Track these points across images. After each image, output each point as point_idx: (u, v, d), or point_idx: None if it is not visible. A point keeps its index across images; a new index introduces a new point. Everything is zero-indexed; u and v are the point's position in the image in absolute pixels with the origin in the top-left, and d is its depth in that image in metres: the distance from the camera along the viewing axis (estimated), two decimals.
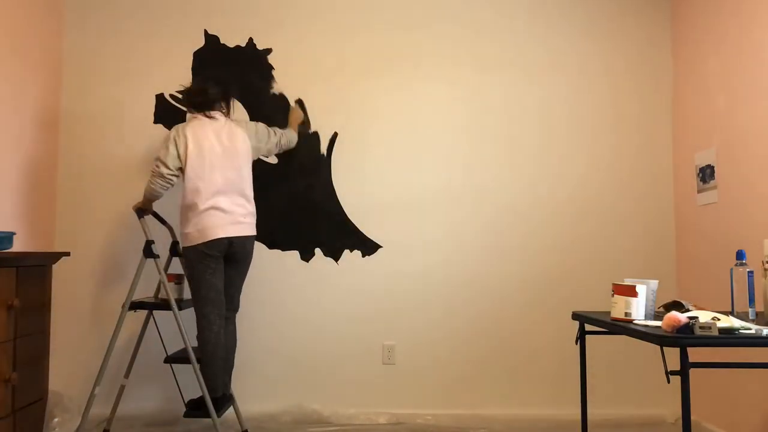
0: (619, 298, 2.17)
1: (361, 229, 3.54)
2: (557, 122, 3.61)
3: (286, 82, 3.57)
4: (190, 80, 3.55)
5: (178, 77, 3.56)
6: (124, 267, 3.49)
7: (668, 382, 1.85)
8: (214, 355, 2.85)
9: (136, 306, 2.98)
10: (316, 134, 3.57)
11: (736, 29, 3.02)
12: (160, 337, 3.31)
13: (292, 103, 3.54)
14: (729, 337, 1.82)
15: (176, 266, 3.36)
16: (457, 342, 3.53)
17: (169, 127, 3.53)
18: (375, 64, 3.60)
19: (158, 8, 3.59)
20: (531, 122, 3.60)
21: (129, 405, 3.40)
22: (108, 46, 3.57)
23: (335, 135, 3.57)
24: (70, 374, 3.43)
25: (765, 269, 2.27)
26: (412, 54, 3.61)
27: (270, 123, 3.56)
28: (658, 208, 3.59)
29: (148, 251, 3.02)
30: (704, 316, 2.02)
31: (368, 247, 3.54)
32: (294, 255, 3.52)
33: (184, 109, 3.54)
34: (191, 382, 3.39)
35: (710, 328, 1.79)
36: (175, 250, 3.21)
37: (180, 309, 2.98)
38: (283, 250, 3.53)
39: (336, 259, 3.54)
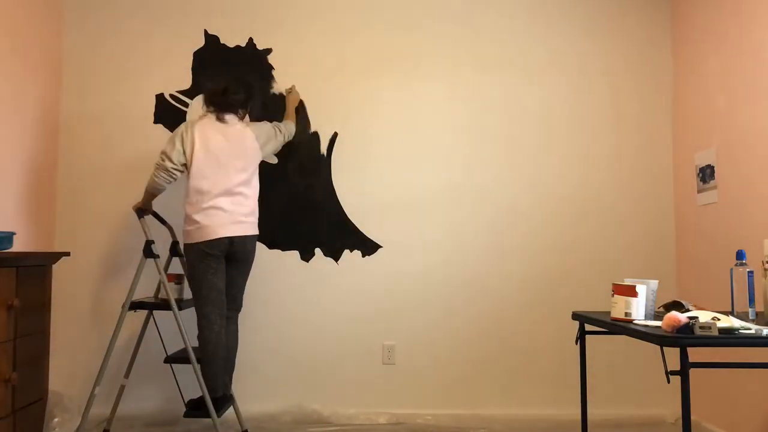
0: (619, 298, 2.17)
1: (361, 229, 3.54)
2: (557, 122, 3.61)
3: (286, 82, 3.57)
4: (190, 81, 3.56)
5: (178, 77, 3.56)
6: (124, 267, 3.49)
7: (668, 382, 1.85)
8: (215, 355, 2.85)
9: (136, 306, 2.98)
10: (316, 134, 3.57)
11: (736, 29, 3.02)
12: (160, 337, 3.31)
13: (288, 86, 3.53)
14: (729, 337, 1.82)
15: (176, 266, 3.36)
16: (457, 342, 3.53)
17: (169, 127, 3.53)
18: (375, 64, 3.60)
19: (158, 8, 3.59)
20: (531, 122, 3.60)
21: (129, 405, 3.40)
22: (108, 46, 3.57)
23: (335, 135, 3.57)
24: (70, 374, 3.43)
25: (765, 269, 2.27)
26: (412, 54, 3.61)
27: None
28: (658, 208, 3.59)
29: (148, 251, 3.02)
30: (704, 316, 2.02)
31: (368, 247, 3.54)
32: (294, 255, 3.52)
33: (185, 108, 3.55)
34: (191, 382, 3.39)
35: (710, 328, 1.79)
36: (175, 250, 3.21)
37: (180, 309, 2.98)
38: (283, 250, 3.53)
39: (336, 259, 3.54)
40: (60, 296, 3.44)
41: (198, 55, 3.58)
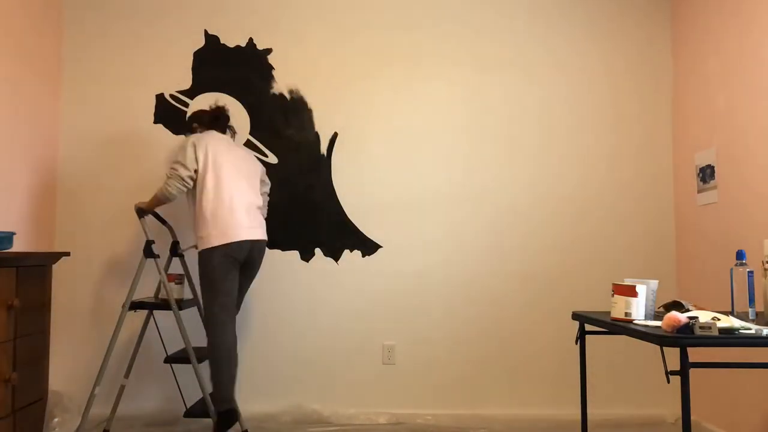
0: (619, 298, 2.17)
1: (361, 229, 3.54)
2: (557, 122, 3.61)
3: (286, 82, 3.57)
4: (191, 81, 3.56)
5: (178, 77, 3.56)
6: (124, 267, 3.49)
7: (668, 382, 1.85)
8: (230, 363, 2.80)
9: (136, 306, 2.98)
10: (316, 134, 3.57)
11: (736, 29, 3.02)
12: (160, 337, 3.31)
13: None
14: (729, 337, 1.82)
15: (176, 266, 3.36)
16: (457, 342, 3.53)
17: (169, 127, 3.53)
18: (375, 64, 3.60)
19: (158, 8, 3.59)
20: (531, 122, 3.60)
21: (129, 405, 3.40)
22: (108, 46, 3.57)
23: (335, 135, 3.57)
24: (70, 374, 3.43)
25: (765, 269, 2.27)
26: (412, 54, 3.61)
27: (270, 123, 3.57)
28: (658, 208, 3.59)
29: (149, 251, 3.02)
30: (704, 316, 2.02)
31: (368, 247, 3.54)
32: (294, 255, 3.52)
33: (185, 108, 3.55)
34: (191, 382, 3.39)
35: (710, 328, 1.79)
36: (175, 250, 3.21)
37: (180, 309, 2.98)
38: (283, 250, 3.53)
39: (336, 259, 3.54)
40: (60, 296, 3.44)
41: (198, 55, 3.58)
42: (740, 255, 2.21)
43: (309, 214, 3.55)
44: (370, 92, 3.59)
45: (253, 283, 3.45)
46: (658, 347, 3.43)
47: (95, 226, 3.50)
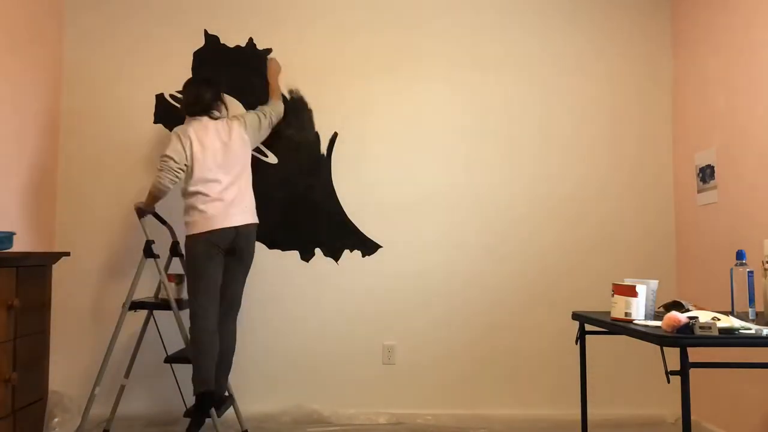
0: (619, 298, 2.17)
1: (361, 229, 3.54)
2: (557, 122, 3.61)
3: (286, 82, 3.57)
4: (189, 81, 3.55)
5: (178, 77, 3.56)
6: (124, 267, 3.49)
7: (668, 382, 1.85)
8: (210, 346, 2.83)
9: (136, 306, 2.99)
10: (316, 134, 3.57)
11: (736, 29, 3.02)
12: (160, 337, 3.31)
13: (270, 57, 3.54)
14: (729, 337, 1.82)
15: (176, 266, 3.36)
16: (457, 342, 3.53)
17: (169, 127, 3.53)
18: (375, 64, 3.60)
19: (158, 8, 3.59)
20: (531, 122, 3.60)
21: (129, 405, 3.40)
22: (108, 46, 3.57)
23: (335, 135, 3.57)
24: (70, 374, 3.43)
25: (765, 269, 2.27)
26: (412, 54, 3.61)
27: (270, 123, 3.56)
28: (658, 208, 3.59)
29: (149, 251, 3.02)
30: (704, 316, 2.02)
31: (368, 247, 3.54)
32: (294, 255, 3.52)
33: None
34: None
35: (710, 328, 1.79)
36: (175, 250, 3.21)
37: (180, 309, 2.98)
38: (283, 250, 3.53)
39: (336, 259, 3.54)
40: (60, 296, 3.44)
41: (198, 55, 3.58)
42: (740, 255, 2.21)
43: (309, 214, 3.55)
44: (370, 92, 3.59)
45: (252, 283, 3.45)
46: (658, 347, 3.43)
47: (95, 226, 3.50)
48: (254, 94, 3.56)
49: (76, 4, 3.57)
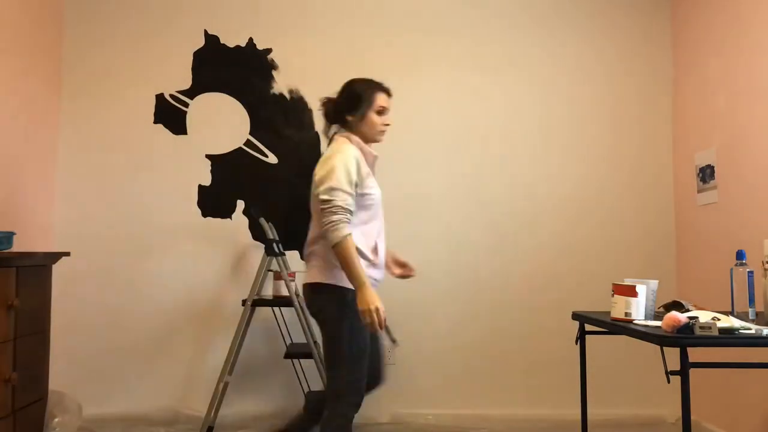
0: (619, 298, 2.16)
1: None
2: (557, 122, 3.61)
3: (285, 82, 3.57)
4: (190, 81, 3.56)
5: (178, 77, 3.56)
6: (124, 267, 3.49)
7: (668, 382, 1.85)
8: None
9: (257, 303, 3.12)
10: (316, 134, 3.57)
11: (736, 29, 3.02)
12: (281, 331, 3.31)
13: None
14: (729, 337, 1.82)
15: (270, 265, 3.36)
16: (458, 342, 3.52)
17: (169, 127, 3.53)
18: (375, 64, 3.60)
19: (158, 8, 3.59)
20: (531, 122, 3.60)
21: (129, 405, 3.40)
22: (108, 46, 3.57)
23: (335, 135, 3.56)
24: (70, 374, 3.43)
25: (765, 269, 2.26)
26: (413, 54, 3.61)
27: (270, 123, 3.57)
28: (658, 208, 3.59)
29: (270, 250, 3.13)
30: (704, 316, 2.02)
31: None
32: (294, 255, 3.52)
33: (185, 108, 3.54)
34: (186, 382, 3.37)
35: (710, 328, 1.79)
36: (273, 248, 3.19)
37: (285, 306, 3.17)
38: (283, 249, 3.52)
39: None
40: (60, 296, 3.44)
41: (198, 55, 3.58)
42: (740, 255, 2.21)
43: (309, 214, 3.54)
44: None
45: (251, 282, 3.45)
46: (658, 347, 3.43)
47: (95, 226, 3.50)
48: (254, 94, 3.56)
49: (76, 5, 3.56)
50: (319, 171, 2.23)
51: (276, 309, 3.44)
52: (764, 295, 2.27)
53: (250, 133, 3.56)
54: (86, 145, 3.52)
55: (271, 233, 3.18)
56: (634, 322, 2.11)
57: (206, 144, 3.55)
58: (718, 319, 1.99)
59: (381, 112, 2.27)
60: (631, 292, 2.14)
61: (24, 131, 3.17)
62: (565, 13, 3.65)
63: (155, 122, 3.55)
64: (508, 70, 3.61)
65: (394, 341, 3.38)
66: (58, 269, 3.44)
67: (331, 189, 2.15)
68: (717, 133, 3.17)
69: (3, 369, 2.40)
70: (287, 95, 3.57)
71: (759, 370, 2.81)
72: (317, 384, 3.41)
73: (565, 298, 3.54)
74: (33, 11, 3.23)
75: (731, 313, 2.23)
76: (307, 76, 3.58)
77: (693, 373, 3.29)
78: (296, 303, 3.09)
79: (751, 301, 2.17)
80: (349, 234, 2.10)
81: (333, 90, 3.57)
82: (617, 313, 2.17)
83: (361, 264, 2.12)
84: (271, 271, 3.23)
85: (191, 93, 3.57)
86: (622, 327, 2.05)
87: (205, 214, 3.53)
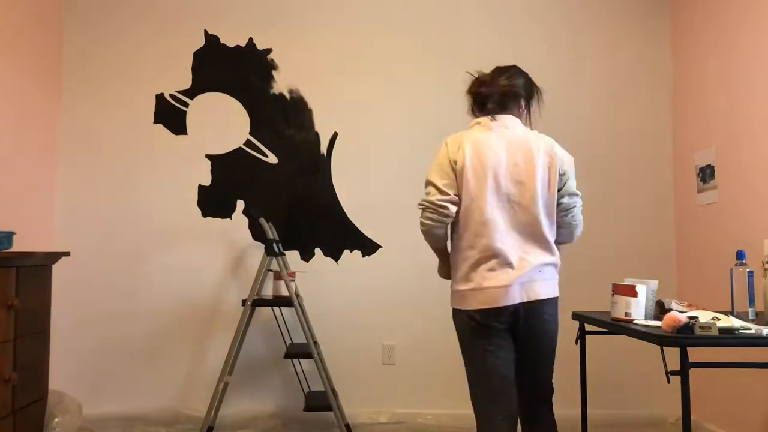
0: (619, 298, 2.16)
1: (361, 229, 3.54)
2: (557, 122, 3.61)
3: (286, 82, 3.57)
4: (190, 81, 3.56)
5: (178, 77, 3.56)
6: (124, 267, 3.49)
7: (668, 382, 1.85)
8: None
9: (258, 303, 3.11)
10: (316, 134, 3.57)
11: (736, 29, 3.02)
12: (281, 331, 3.30)
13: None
14: (729, 337, 1.82)
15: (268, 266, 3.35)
16: (457, 342, 3.52)
17: (169, 127, 3.53)
18: (375, 64, 3.60)
19: (158, 8, 3.59)
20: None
21: (129, 405, 3.40)
22: (108, 46, 3.57)
23: (335, 135, 3.57)
24: (70, 374, 3.43)
25: (765, 269, 2.27)
26: (413, 54, 3.61)
27: (270, 123, 3.56)
28: (658, 208, 3.59)
29: (270, 250, 3.11)
30: (704, 316, 2.02)
31: (368, 247, 3.54)
32: (294, 255, 3.52)
33: (185, 108, 3.54)
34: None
35: (710, 328, 1.79)
36: (272, 248, 3.18)
37: (286, 306, 3.15)
38: (283, 249, 3.52)
39: (336, 259, 3.54)
40: (60, 296, 3.44)
41: (198, 55, 3.58)
42: (740, 255, 2.21)
43: (309, 214, 3.55)
44: (371, 92, 3.59)
45: (251, 283, 3.45)
46: (658, 347, 3.43)
47: (95, 226, 3.50)
48: (254, 94, 3.56)
49: (76, 5, 3.56)
50: (568, 167, 2.04)
51: (276, 309, 3.44)
52: (764, 295, 2.27)
53: (250, 133, 3.56)
54: (86, 145, 3.52)
55: (271, 233, 3.17)
56: (634, 322, 2.11)
57: (206, 144, 3.55)
58: (718, 319, 1.99)
59: None
60: (631, 292, 2.14)
61: (24, 131, 3.17)
62: (565, 13, 3.65)
63: (155, 122, 3.55)
64: None
65: None
66: (58, 269, 3.44)
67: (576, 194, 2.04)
68: (717, 133, 3.17)
69: (3, 369, 2.40)
70: (287, 95, 3.57)
71: (759, 370, 2.81)
72: (317, 384, 3.41)
73: (565, 298, 3.54)
74: (33, 11, 3.23)
75: (731, 313, 2.23)
76: (307, 76, 3.58)
77: (693, 373, 3.28)
78: (296, 303, 3.08)
79: (751, 301, 2.17)
80: None
81: (333, 89, 3.59)
82: (617, 313, 2.17)
83: None
84: (271, 270, 3.22)
85: (191, 93, 3.57)
86: (622, 327, 2.05)
87: (205, 214, 3.53)
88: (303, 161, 3.55)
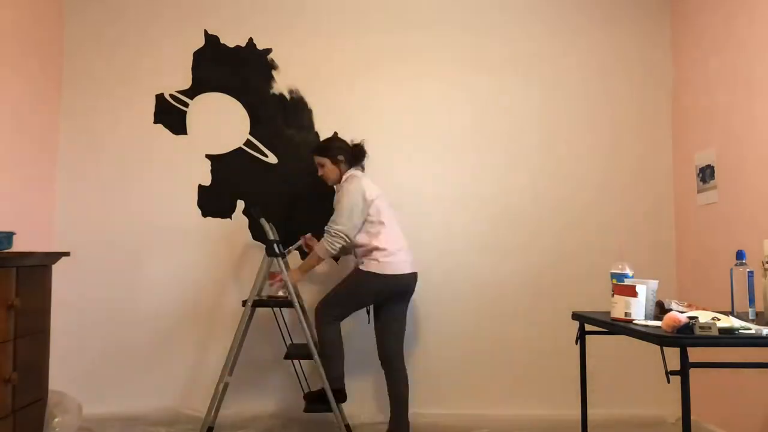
0: (619, 298, 2.16)
1: None
2: (557, 123, 3.61)
3: (285, 82, 3.57)
4: (190, 81, 3.56)
5: (178, 77, 3.56)
6: (124, 267, 3.49)
7: (668, 382, 1.85)
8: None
9: (258, 303, 3.10)
10: (316, 134, 3.57)
11: (736, 29, 3.02)
12: (281, 333, 3.30)
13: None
14: (729, 337, 1.82)
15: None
16: (458, 342, 3.53)
17: (169, 127, 3.54)
18: (375, 64, 3.60)
19: (158, 8, 3.59)
20: (531, 123, 3.60)
21: (129, 405, 3.40)
22: (108, 46, 3.57)
23: (335, 135, 3.57)
24: (70, 374, 3.43)
25: (765, 269, 2.27)
26: (413, 54, 3.61)
27: (270, 123, 3.57)
28: (658, 208, 3.59)
29: (271, 251, 3.10)
30: (704, 316, 2.02)
31: None
32: (294, 255, 3.52)
33: (185, 108, 3.54)
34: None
35: (710, 328, 1.79)
36: (275, 250, 3.18)
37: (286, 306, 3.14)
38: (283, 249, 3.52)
39: (336, 259, 3.54)
40: (60, 296, 3.44)
41: (198, 55, 3.58)
42: (740, 255, 2.21)
43: (309, 214, 3.55)
44: (370, 92, 3.59)
45: (252, 283, 3.45)
46: (658, 347, 3.43)
47: (95, 226, 3.50)
48: (254, 94, 3.56)
49: (76, 5, 3.57)
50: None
51: (276, 310, 3.44)
52: (764, 295, 2.27)
53: (250, 133, 3.56)
54: (86, 145, 3.52)
55: (272, 234, 3.17)
56: (634, 322, 2.11)
57: (206, 144, 3.55)
58: (718, 319, 1.99)
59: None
60: (631, 292, 2.14)
61: (24, 131, 3.17)
62: (565, 13, 3.65)
63: (155, 122, 3.55)
64: (507, 69, 3.61)
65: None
66: (58, 269, 3.44)
67: None
68: (717, 133, 3.17)
69: (3, 369, 2.39)
70: (287, 95, 3.57)
71: (759, 370, 2.81)
72: (317, 385, 3.41)
73: (565, 298, 3.54)
74: (33, 11, 3.23)
75: (731, 313, 2.23)
76: (307, 76, 3.58)
77: (693, 373, 3.28)
78: (296, 304, 3.08)
79: (751, 301, 2.17)
80: None
81: (333, 90, 3.59)
82: (617, 313, 2.17)
83: None
84: (273, 272, 3.20)
85: (191, 93, 3.57)
86: (622, 327, 2.05)
87: (205, 214, 3.53)
88: (303, 161, 3.55)
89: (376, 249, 2.97)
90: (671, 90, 3.64)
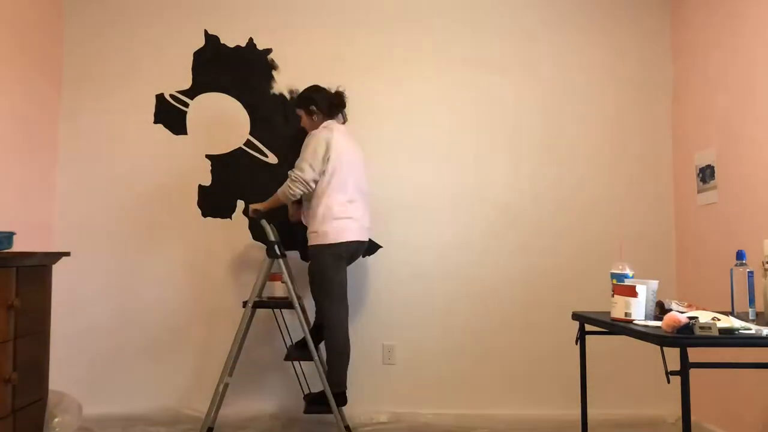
0: (619, 298, 2.16)
1: None
2: (557, 122, 3.61)
3: (286, 82, 3.57)
4: (190, 81, 3.56)
5: (178, 77, 3.56)
6: (124, 267, 3.49)
7: (668, 382, 1.85)
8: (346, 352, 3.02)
9: (259, 305, 3.10)
10: None
11: (737, 29, 3.02)
12: (282, 332, 3.31)
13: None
14: (729, 337, 1.82)
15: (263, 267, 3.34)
16: (458, 342, 3.53)
17: (169, 127, 3.53)
18: (375, 64, 3.60)
19: (158, 8, 3.59)
20: (531, 122, 3.60)
21: (129, 405, 3.40)
22: (108, 46, 3.57)
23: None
24: (70, 374, 3.43)
25: (765, 269, 2.26)
26: (413, 54, 3.61)
27: (270, 123, 3.57)
28: (658, 208, 3.59)
29: (272, 252, 3.09)
30: (704, 316, 2.02)
31: (368, 247, 3.53)
32: (294, 255, 3.52)
33: (185, 108, 3.54)
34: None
35: (710, 328, 1.79)
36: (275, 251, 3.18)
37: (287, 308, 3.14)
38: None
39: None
40: (60, 296, 3.44)
41: (198, 55, 3.58)
42: (740, 255, 2.21)
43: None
44: (370, 92, 3.59)
45: (252, 283, 3.45)
46: (658, 347, 3.43)
47: (95, 226, 3.50)
48: (254, 94, 3.56)
49: (76, 5, 3.57)
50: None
51: (276, 311, 3.44)
52: (764, 295, 2.27)
53: (250, 133, 3.56)
54: (86, 145, 3.52)
55: (273, 235, 3.17)
56: (634, 322, 2.11)
57: (206, 144, 3.55)
58: (718, 319, 1.99)
59: None
60: (631, 292, 2.14)
61: (24, 131, 3.17)
62: (565, 13, 3.65)
63: (155, 122, 3.55)
64: (508, 69, 3.61)
65: None
66: (58, 269, 3.44)
67: None
68: (717, 133, 3.17)
69: (3, 369, 2.39)
70: (287, 95, 3.57)
71: (759, 370, 2.81)
72: (317, 385, 3.41)
73: (565, 298, 3.54)
74: (33, 11, 3.24)
75: (731, 313, 2.23)
76: (307, 76, 3.58)
77: (693, 373, 3.29)
78: (296, 305, 3.08)
79: (751, 302, 2.17)
80: None
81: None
82: (617, 313, 2.17)
83: None
84: (274, 274, 3.20)
85: (191, 93, 3.57)
86: (622, 327, 2.05)
87: (205, 214, 3.53)
88: None
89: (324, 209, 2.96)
90: (671, 90, 3.64)
